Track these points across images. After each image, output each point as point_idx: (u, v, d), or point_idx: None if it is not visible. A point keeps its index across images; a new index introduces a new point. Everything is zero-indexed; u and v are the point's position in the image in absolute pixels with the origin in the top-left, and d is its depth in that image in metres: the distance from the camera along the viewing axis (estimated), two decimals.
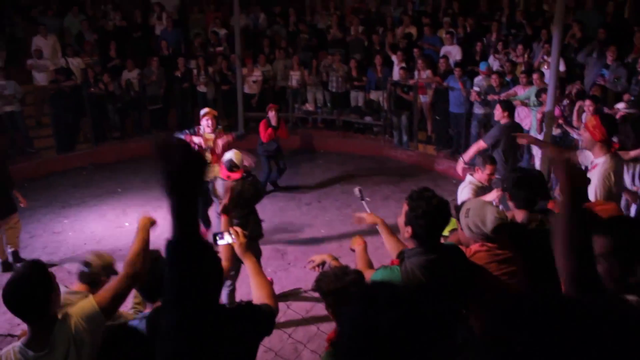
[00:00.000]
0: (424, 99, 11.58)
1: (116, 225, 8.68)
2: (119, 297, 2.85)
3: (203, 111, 7.70)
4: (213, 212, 6.60)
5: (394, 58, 12.17)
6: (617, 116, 7.44)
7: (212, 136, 7.54)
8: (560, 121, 8.64)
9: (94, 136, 12.12)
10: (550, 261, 3.39)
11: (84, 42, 13.01)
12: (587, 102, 7.96)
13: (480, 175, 5.44)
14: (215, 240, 3.09)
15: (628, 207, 6.28)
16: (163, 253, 1.89)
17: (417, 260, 2.84)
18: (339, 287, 2.82)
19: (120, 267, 3.02)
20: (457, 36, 12.21)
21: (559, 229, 2.20)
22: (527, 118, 9.48)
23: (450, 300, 2.85)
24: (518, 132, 7.76)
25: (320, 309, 6.14)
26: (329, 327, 3.33)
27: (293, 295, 6.29)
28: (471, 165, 6.30)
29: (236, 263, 5.83)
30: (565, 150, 2.32)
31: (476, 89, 10.15)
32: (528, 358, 1.00)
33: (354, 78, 12.50)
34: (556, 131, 8.68)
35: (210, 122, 7.47)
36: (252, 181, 5.98)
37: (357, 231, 4.76)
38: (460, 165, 6.68)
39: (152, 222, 3.19)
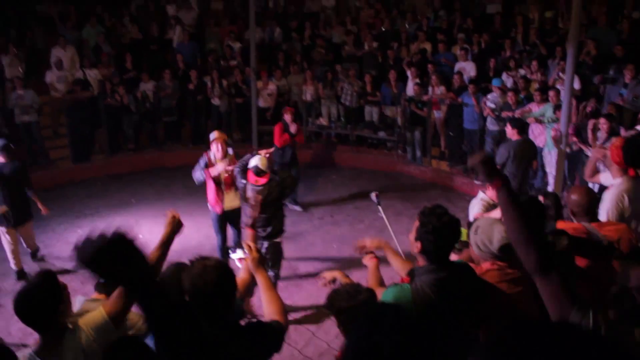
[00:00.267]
0: (438, 114, 11.58)
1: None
2: (129, 305, 2.86)
3: (212, 135, 7.09)
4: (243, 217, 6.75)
5: (408, 73, 12.20)
6: None
7: (224, 163, 6.97)
8: (574, 139, 8.60)
9: (109, 147, 12.24)
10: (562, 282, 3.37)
11: (101, 54, 13.17)
12: (602, 121, 7.93)
13: (491, 193, 5.41)
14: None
15: None
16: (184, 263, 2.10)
17: (428, 278, 2.83)
18: (351, 306, 2.82)
19: None
20: (472, 52, 12.22)
21: (510, 228, 2.23)
22: (542, 135, 9.45)
23: (461, 319, 2.84)
24: (530, 148, 7.88)
25: (331, 326, 6.14)
26: (340, 344, 3.33)
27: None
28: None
29: (277, 250, 6.36)
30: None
31: (491, 105, 10.13)
32: None
33: (368, 93, 12.53)
34: (570, 148, 8.66)
35: (220, 147, 6.89)
36: (277, 183, 6.39)
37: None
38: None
39: (178, 231, 3.22)
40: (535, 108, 9.58)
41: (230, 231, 7.14)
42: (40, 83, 12.19)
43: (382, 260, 3.60)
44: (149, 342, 2.81)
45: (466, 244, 3.47)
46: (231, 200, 6.97)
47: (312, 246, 8.30)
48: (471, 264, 3.19)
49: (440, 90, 11.38)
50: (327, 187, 11.05)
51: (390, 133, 12.41)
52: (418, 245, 2.88)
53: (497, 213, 4.92)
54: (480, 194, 5.57)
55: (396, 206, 9.64)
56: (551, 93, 9.35)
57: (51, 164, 11.76)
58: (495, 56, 11.77)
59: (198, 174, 6.87)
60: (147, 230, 8.80)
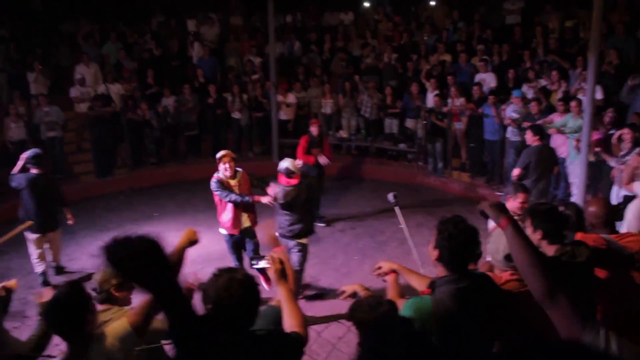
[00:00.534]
0: (459, 126, 11.54)
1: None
2: (151, 315, 2.93)
3: (219, 154, 6.87)
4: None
5: (427, 85, 12.20)
6: None
7: (234, 182, 6.89)
8: (598, 149, 8.51)
9: (131, 161, 12.40)
10: (582, 294, 3.33)
11: (122, 69, 13.39)
12: (625, 131, 7.85)
13: (512, 204, 5.37)
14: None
15: None
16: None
17: (448, 288, 2.83)
18: (371, 318, 2.82)
19: None
20: (492, 64, 12.18)
21: (517, 259, 2.32)
22: (564, 145, 9.37)
23: (481, 329, 2.82)
24: (550, 154, 7.91)
25: (352, 338, 6.10)
26: None
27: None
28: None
29: (304, 249, 6.62)
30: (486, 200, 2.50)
31: (515, 115, 10.05)
32: None
33: (388, 106, 12.54)
34: (592, 158, 8.57)
35: (227, 165, 6.75)
36: (307, 185, 6.77)
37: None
38: None
39: (194, 241, 3.27)
40: (557, 118, 9.51)
41: (246, 246, 7.16)
42: (64, 99, 12.42)
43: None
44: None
45: None
46: (244, 221, 7.00)
47: (333, 258, 8.30)
48: (491, 274, 3.18)
49: (460, 101, 11.35)
50: (347, 199, 11.05)
51: (411, 145, 12.40)
52: (436, 253, 2.91)
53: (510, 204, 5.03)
54: None
55: (417, 218, 9.60)
56: (573, 103, 9.27)
57: (75, 178, 11.94)
58: (515, 67, 11.71)
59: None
60: (170, 244, 8.88)
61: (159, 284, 2.12)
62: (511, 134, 10.21)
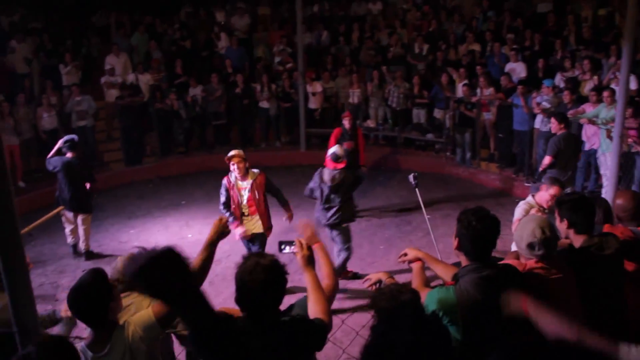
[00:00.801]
0: (488, 116, 11.40)
1: (179, 236, 8.91)
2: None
3: (229, 154, 6.50)
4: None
5: (455, 76, 12.07)
6: None
7: (245, 184, 6.51)
8: (630, 140, 8.33)
9: (160, 150, 12.54)
10: (611, 287, 3.28)
11: (152, 60, 13.52)
12: None
13: (542, 195, 5.28)
14: (280, 249, 3.15)
15: None
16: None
17: (470, 277, 2.83)
18: (392, 306, 2.81)
19: None
20: (523, 53, 11.99)
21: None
22: (595, 136, 9.19)
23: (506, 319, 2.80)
24: (576, 141, 7.92)
25: None
26: None
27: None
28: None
29: (346, 233, 6.98)
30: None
31: (546, 105, 9.88)
32: None
33: (416, 95, 12.44)
34: (625, 148, 8.39)
35: (237, 166, 6.40)
36: (353, 172, 7.10)
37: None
38: None
39: (224, 234, 3.29)
40: (589, 108, 9.32)
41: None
42: (95, 89, 12.61)
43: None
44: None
45: None
46: (253, 225, 6.61)
47: (359, 248, 8.28)
48: (515, 262, 3.16)
49: (489, 91, 11.20)
50: (374, 189, 11.00)
51: (438, 135, 12.29)
52: (456, 242, 2.96)
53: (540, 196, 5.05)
54: (529, 198, 5.47)
55: (444, 209, 9.53)
56: (605, 93, 9.06)
57: (105, 166, 12.13)
58: (547, 56, 11.50)
59: (220, 207, 6.58)
60: (197, 231, 9.00)
61: (182, 299, 2.10)
62: (541, 124, 10.04)
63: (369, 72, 13.40)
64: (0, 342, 3.16)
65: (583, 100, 9.82)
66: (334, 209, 6.86)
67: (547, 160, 7.77)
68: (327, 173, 6.84)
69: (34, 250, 8.38)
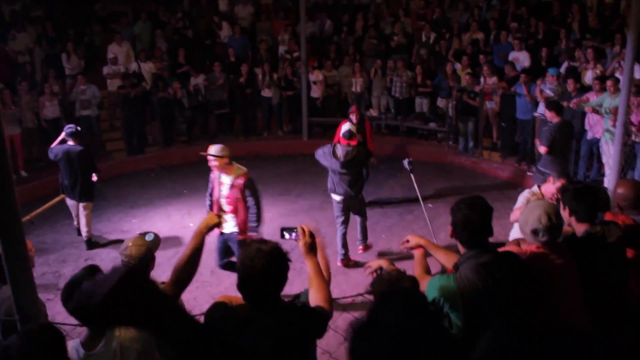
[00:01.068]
0: (490, 105, 11.36)
1: (181, 225, 8.93)
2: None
3: (209, 151, 6.18)
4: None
5: (456, 65, 12.02)
6: None
7: (227, 180, 6.16)
8: (634, 129, 8.29)
9: (162, 139, 12.52)
10: (614, 275, 3.28)
11: (154, 48, 13.48)
12: None
13: (548, 187, 5.26)
14: (282, 235, 3.14)
15: None
16: None
17: (469, 264, 2.84)
18: (390, 291, 2.82)
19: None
20: (527, 42, 11.92)
21: None
22: (598, 125, 9.15)
23: (507, 304, 2.80)
24: (570, 129, 8.33)
25: None
26: None
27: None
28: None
29: (345, 212, 7.42)
30: None
31: (550, 93, 9.84)
32: None
33: (419, 84, 12.39)
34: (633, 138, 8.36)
35: (211, 165, 6.18)
36: (365, 148, 7.58)
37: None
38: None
39: (213, 226, 3.27)
40: (592, 97, 9.27)
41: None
42: (97, 78, 12.58)
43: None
44: None
45: None
46: (228, 225, 6.22)
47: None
48: (517, 248, 3.17)
49: (492, 80, 11.15)
50: (377, 178, 10.95)
51: (441, 124, 12.25)
52: (450, 230, 3.00)
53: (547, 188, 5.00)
54: (535, 188, 5.45)
55: (447, 198, 9.51)
56: (609, 82, 9.01)
57: (107, 155, 12.13)
58: (551, 45, 11.44)
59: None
60: (199, 220, 8.97)
61: (162, 321, 1.82)
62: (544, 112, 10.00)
63: (370, 61, 13.34)
64: (9, 330, 3.15)
65: (586, 89, 9.77)
66: (348, 182, 7.20)
67: (542, 150, 7.95)
68: (341, 149, 7.10)
69: (36, 240, 8.40)
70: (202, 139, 13.00)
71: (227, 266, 6.48)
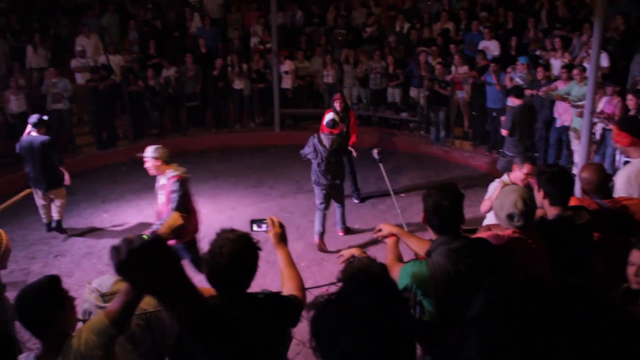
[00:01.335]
0: (461, 94, 11.45)
1: (153, 220, 8.82)
2: (129, 307, 2.53)
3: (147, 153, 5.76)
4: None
5: (426, 56, 12.03)
6: None
7: (160, 184, 5.82)
8: (602, 115, 8.40)
9: (133, 133, 12.35)
10: (582, 256, 3.36)
11: (124, 40, 13.26)
12: (629, 97, 7.77)
13: (516, 174, 5.31)
14: (252, 227, 3.14)
15: None
16: None
17: (441, 250, 2.86)
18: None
19: None
20: (496, 31, 12.03)
21: None
22: (566, 113, 9.29)
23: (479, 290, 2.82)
24: (531, 111, 8.73)
25: None
26: None
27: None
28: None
29: (326, 199, 7.54)
30: None
31: (519, 81, 9.97)
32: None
33: (392, 75, 12.42)
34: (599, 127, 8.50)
35: (146, 166, 5.75)
36: (344, 136, 7.89)
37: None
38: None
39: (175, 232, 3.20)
40: (561, 85, 9.41)
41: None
42: (65, 71, 12.33)
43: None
44: None
45: None
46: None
47: (334, 226, 8.30)
48: (491, 234, 3.20)
49: (463, 69, 11.23)
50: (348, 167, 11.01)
51: (413, 114, 12.31)
52: (422, 217, 3.03)
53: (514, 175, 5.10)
54: (504, 176, 5.51)
55: (419, 187, 9.58)
56: (575, 71, 9.15)
57: (77, 150, 11.93)
58: (519, 34, 11.56)
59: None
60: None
61: (174, 291, 1.90)
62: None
63: (338, 52, 13.32)
64: None
65: (555, 77, 9.91)
66: (333, 171, 7.36)
67: (503, 133, 8.51)
68: (326, 138, 7.28)
69: None
70: (174, 131, 12.90)
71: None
